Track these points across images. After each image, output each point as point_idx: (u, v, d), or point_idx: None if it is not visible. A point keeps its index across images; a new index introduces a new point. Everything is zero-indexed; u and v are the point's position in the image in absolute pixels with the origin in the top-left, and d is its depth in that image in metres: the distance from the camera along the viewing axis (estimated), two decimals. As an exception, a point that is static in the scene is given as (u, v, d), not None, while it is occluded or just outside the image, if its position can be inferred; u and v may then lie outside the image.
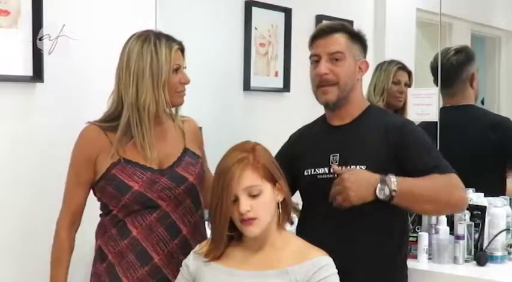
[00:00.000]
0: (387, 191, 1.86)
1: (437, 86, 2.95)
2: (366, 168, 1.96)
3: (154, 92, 2.03)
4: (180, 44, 2.11)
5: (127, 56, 2.06)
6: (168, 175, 2.07)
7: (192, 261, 1.91)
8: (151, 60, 2.03)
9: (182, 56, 2.12)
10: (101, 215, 2.15)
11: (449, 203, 1.97)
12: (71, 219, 2.12)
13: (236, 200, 1.79)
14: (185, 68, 2.13)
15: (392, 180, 1.87)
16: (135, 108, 2.03)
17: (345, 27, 2.13)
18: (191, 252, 1.95)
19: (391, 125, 2.05)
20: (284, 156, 2.17)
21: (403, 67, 3.38)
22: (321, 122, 2.19)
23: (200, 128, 2.34)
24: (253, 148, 1.85)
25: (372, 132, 2.04)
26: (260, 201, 1.80)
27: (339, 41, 2.08)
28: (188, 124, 2.24)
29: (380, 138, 2.02)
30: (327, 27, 2.13)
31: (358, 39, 2.11)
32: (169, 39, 2.09)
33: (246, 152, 1.83)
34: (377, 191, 1.86)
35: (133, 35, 2.11)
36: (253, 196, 1.79)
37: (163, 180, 2.06)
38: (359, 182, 1.87)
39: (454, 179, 1.95)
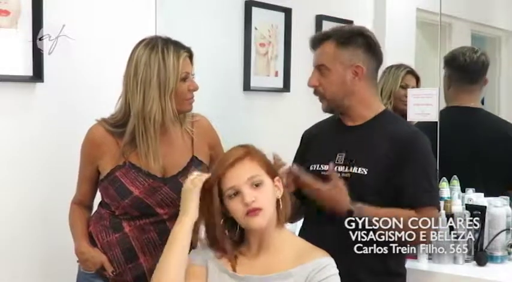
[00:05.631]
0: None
1: (467, 83, 2.91)
2: (367, 172, 1.98)
3: (161, 101, 2.00)
4: (188, 50, 2.07)
5: (134, 64, 2.03)
6: (171, 184, 2.06)
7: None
8: (159, 70, 2.00)
9: (191, 62, 2.09)
10: (101, 203, 2.16)
11: (413, 243, 2.00)
12: (80, 204, 2.18)
13: (237, 193, 1.77)
14: (193, 75, 2.09)
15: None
16: (141, 118, 2.01)
17: (335, 32, 2.09)
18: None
19: (402, 134, 2.05)
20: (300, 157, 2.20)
21: (411, 71, 3.36)
22: (334, 121, 2.19)
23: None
24: (247, 148, 1.84)
25: (382, 138, 2.04)
26: (263, 191, 1.78)
27: (324, 52, 2.07)
28: (198, 124, 2.19)
29: (388, 145, 2.02)
30: (316, 38, 2.13)
31: (350, 43, 2.06)
32: (178, 46, 2.05)
33: (240, 154, 1.81)
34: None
35: (141, 41, 2.07)
36: (256, 186, 1.78)
37: (165, 189, 2.06)
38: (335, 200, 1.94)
39: (430, 218, 1.96)
